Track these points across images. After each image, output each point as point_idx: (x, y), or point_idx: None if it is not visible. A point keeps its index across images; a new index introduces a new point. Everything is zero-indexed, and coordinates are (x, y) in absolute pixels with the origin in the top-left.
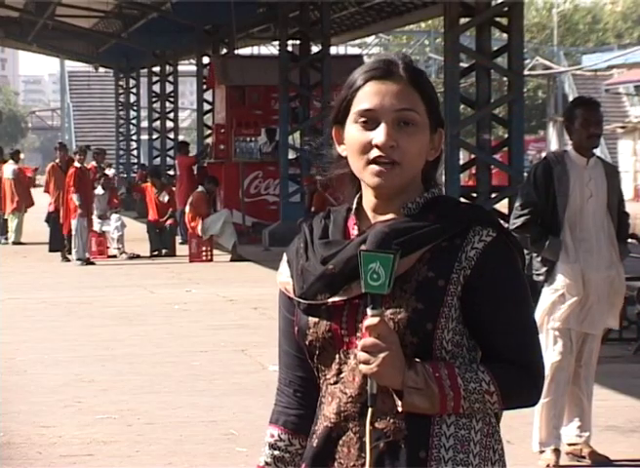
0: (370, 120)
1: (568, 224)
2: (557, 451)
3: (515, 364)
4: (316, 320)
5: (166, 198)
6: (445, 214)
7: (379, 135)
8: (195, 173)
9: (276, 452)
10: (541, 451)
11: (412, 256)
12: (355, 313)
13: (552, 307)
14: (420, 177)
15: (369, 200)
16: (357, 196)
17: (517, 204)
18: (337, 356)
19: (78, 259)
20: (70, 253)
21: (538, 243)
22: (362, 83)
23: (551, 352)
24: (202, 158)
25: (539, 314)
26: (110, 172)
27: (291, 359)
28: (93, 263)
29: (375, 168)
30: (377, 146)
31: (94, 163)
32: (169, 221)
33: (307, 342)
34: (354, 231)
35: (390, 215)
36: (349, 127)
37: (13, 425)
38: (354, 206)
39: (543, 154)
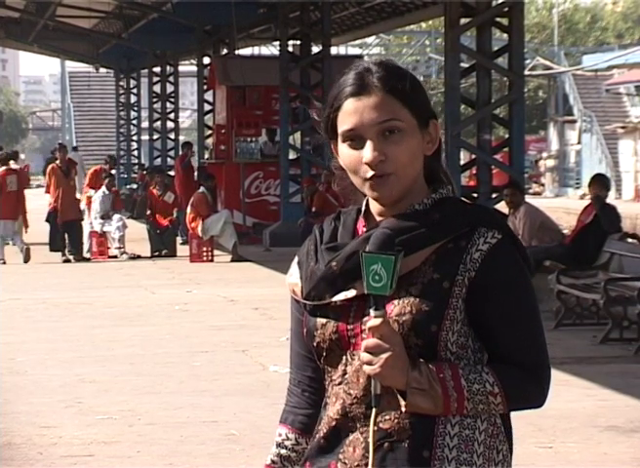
0: (355, 138)
1: None
2: None
3: (520, 366)
4: (324, 321)
5: (171, 198)
6: (450, 215)
7: (366, 152)
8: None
9: (283, 451)
10: None
11: (417, 257)
12: (362, 315)
13: None
14: (422, 176)
15: (374, 205)
16: (366, 198)
17: None
18: (343, 357)
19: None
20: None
21: None
22: (340, 103)
23: None
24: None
25: None
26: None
27: (300, 359)
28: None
29: (371, 183)
30: (367, 164)
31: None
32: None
33: (315, 343)
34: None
35: None
36: (340, 146)
37: (13, 426)
38: (363, 208)
39: (544, 154)
